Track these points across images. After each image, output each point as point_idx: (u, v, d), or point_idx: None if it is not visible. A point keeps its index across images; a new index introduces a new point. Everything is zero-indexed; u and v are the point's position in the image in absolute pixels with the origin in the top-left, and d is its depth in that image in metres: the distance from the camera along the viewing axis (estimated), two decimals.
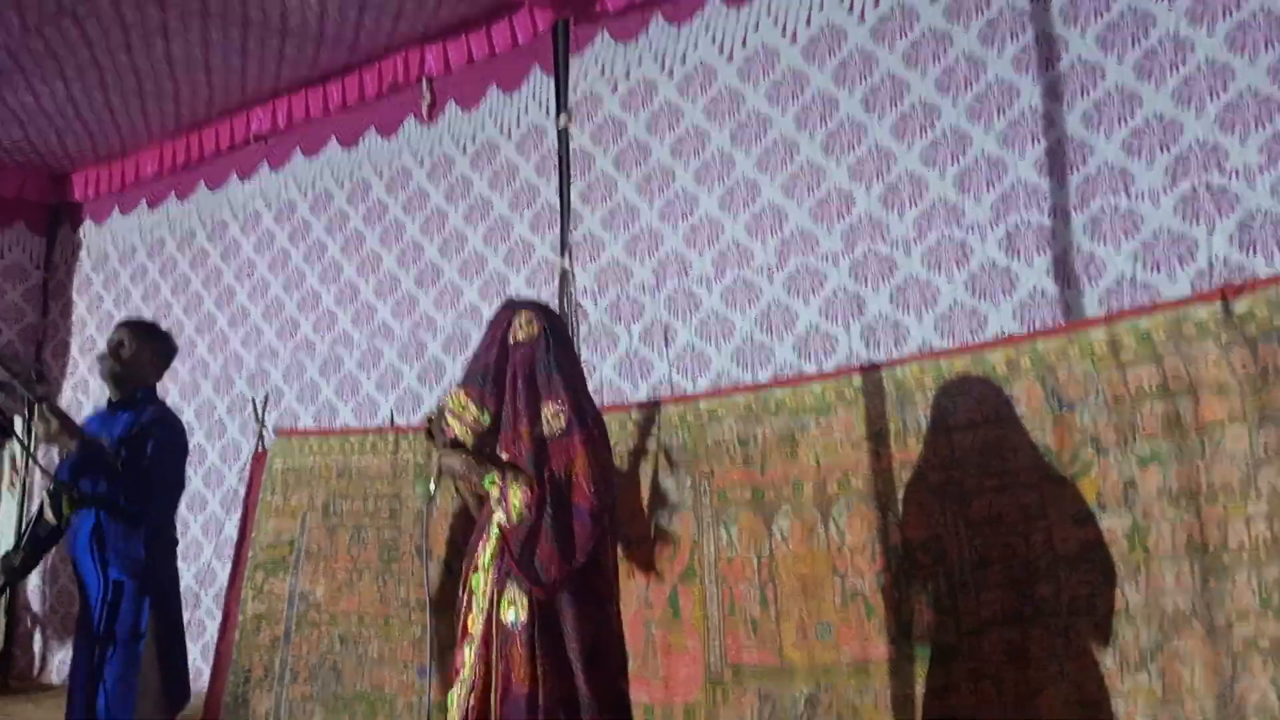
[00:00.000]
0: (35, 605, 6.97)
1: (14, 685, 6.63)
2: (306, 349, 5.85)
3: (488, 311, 4.85)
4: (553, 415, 2.50)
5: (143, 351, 3.39)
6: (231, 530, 5.44)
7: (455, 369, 5.12)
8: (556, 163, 4.85)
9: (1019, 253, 3.63)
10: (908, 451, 3.30)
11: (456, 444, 2.56)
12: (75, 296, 7.24)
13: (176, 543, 3.39)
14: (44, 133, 6.33)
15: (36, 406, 3.08)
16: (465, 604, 2.57)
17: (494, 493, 2.48)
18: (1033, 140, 3.63)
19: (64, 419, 3.15)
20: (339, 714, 4.37)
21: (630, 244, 4.66)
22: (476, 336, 2.98)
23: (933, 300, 3.80)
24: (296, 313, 5.95)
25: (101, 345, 6.76)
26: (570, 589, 2.46)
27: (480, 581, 2.54)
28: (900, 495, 3.29)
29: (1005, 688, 2.97)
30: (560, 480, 2.45)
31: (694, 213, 4.48)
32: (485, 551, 2.55)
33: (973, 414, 3.17)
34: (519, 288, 4.98)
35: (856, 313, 3.97)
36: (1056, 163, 3.58)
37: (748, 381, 4.10)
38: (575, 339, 4.71)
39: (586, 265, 4.75)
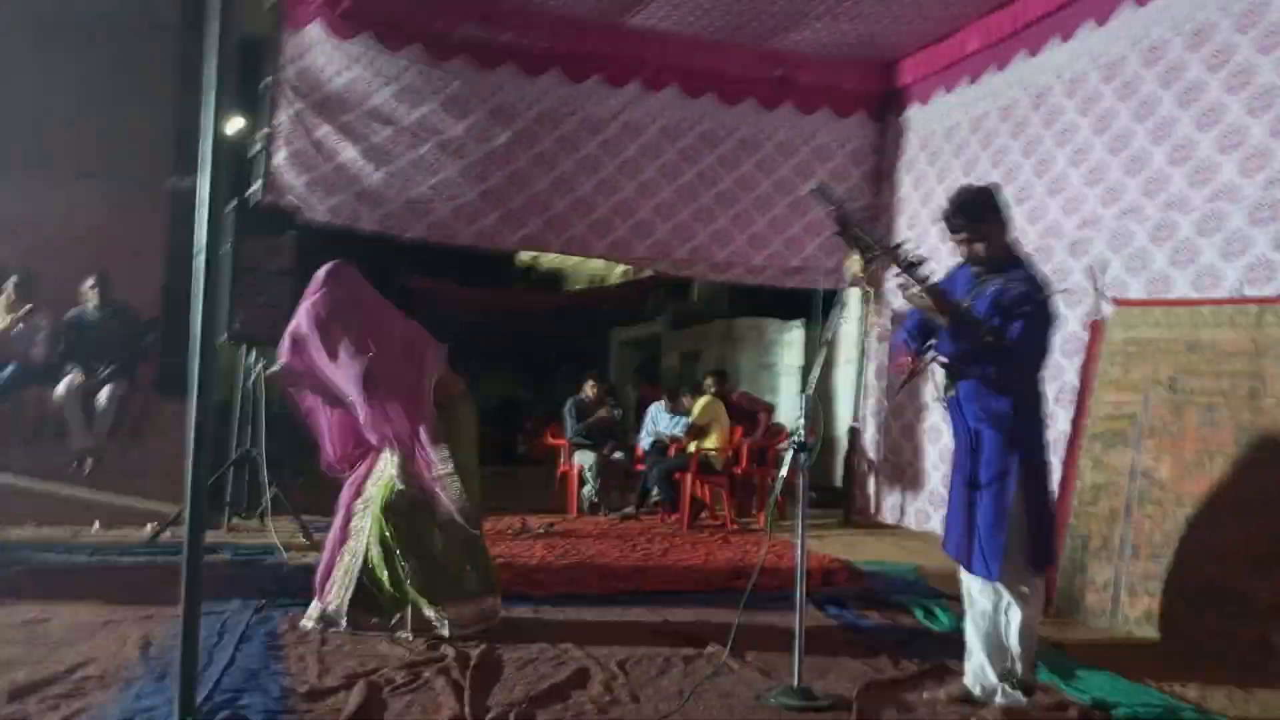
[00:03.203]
0: (870, 454, 7.98)
1: (854, 519, 7.78)
2: (1134, 214, 5.49)
3: None
4: None
5: (981, 224, 3.29)
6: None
7: None
8: None
9: None
10: None
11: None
12: (902, 176, 7.87)
13: (1041, 402, 3.36)
14: (880, 24, 6.88)
15: (918, 286, 3.20)
16: None
17: None
18: None
19: (937, 296, 3.22)
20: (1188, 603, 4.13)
21: None
22: None
23: None
24: (1123, 176, 5.61)
25: (924, 222, 7.31)
26: None
27: None
28: None
29: None
30: None
31: None
32: None
33: None
34: None
35: None
36: None
37: None
38: None
39: None
